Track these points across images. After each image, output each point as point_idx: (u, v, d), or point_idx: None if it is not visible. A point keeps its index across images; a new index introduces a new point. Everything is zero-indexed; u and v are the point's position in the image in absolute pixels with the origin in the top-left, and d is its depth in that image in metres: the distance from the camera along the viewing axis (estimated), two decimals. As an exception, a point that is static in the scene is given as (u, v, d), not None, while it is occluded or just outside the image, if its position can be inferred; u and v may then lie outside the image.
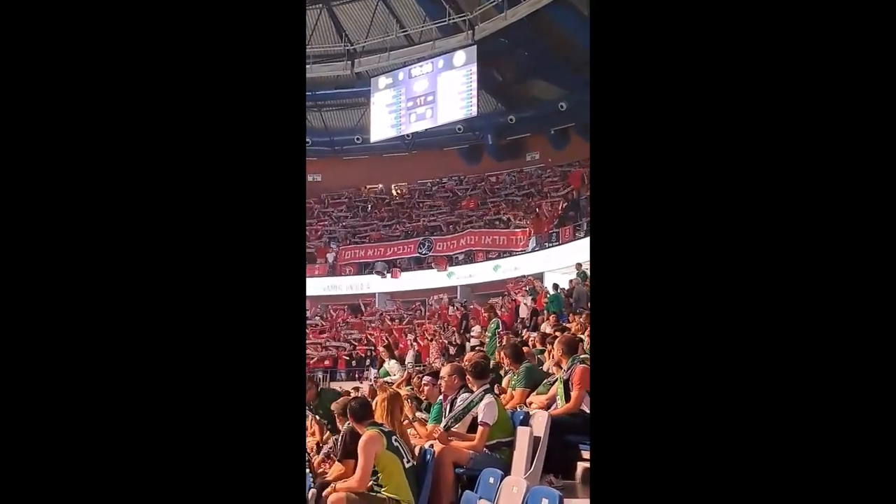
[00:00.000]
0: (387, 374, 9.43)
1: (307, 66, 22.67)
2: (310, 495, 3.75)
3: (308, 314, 20.84)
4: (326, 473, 4.40)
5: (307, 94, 24.35)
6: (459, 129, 22.16)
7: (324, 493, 3.94)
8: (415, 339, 15.71)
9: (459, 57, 20.78)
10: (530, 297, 14.54)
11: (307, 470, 4.23)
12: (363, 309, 21.23)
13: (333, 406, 4.86)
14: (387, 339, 14.78)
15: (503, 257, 20.27)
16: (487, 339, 11.42)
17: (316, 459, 4.79)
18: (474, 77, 20.40)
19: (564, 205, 20.34)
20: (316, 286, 21.60)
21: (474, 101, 20.48)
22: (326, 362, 18.02)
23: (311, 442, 5.64)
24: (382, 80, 22.53)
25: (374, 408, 4.27)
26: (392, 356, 10.18)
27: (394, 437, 3.93)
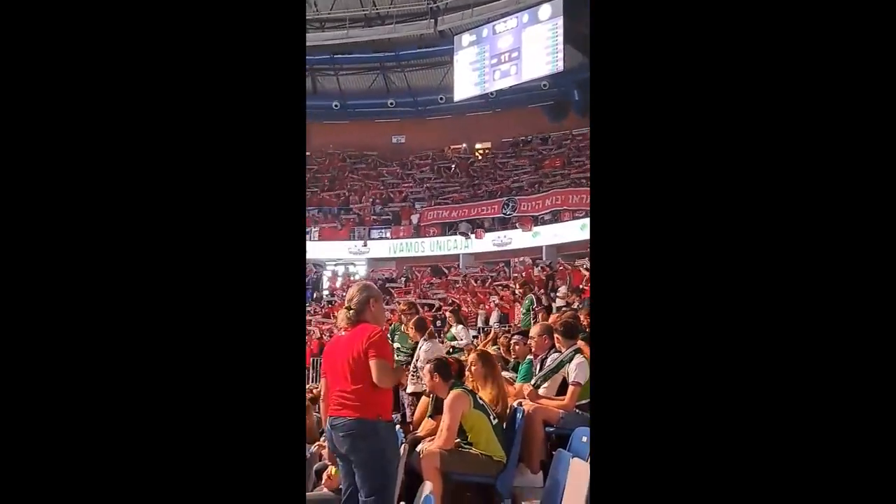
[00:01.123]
0: (453, 338, 9.43)
1: (391, 26, 22.66)
2: (402, 450, 3.79)
3: (393, 275, 21.17)
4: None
5: (391, 54, 24.46)
6: (545, 85, 21.62)
7: (417, 449, 3.98)
8: (500, 300, 15.69)
9: (545, 10, 20.21)
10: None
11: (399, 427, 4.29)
12: (446, 271, 21.35)
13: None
14: (454, 303, 14.80)
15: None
16: (522, 316, 11.10)
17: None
18: (560, 31, 19.82)
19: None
20: (400, 247, 21.87)
21: (560, 56, 19.92)
22: (412, 323, 18.25)
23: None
24: (466, 38, 22.23)
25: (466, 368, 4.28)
26: (459, 321, 10.15)
27: (478, 396, 3.92)
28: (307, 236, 22.76)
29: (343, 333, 3.38)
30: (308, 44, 23.27)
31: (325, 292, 22.18)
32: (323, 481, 4.23)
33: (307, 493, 4.25)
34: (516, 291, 13.48)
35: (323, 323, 18.34)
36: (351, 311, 3.28)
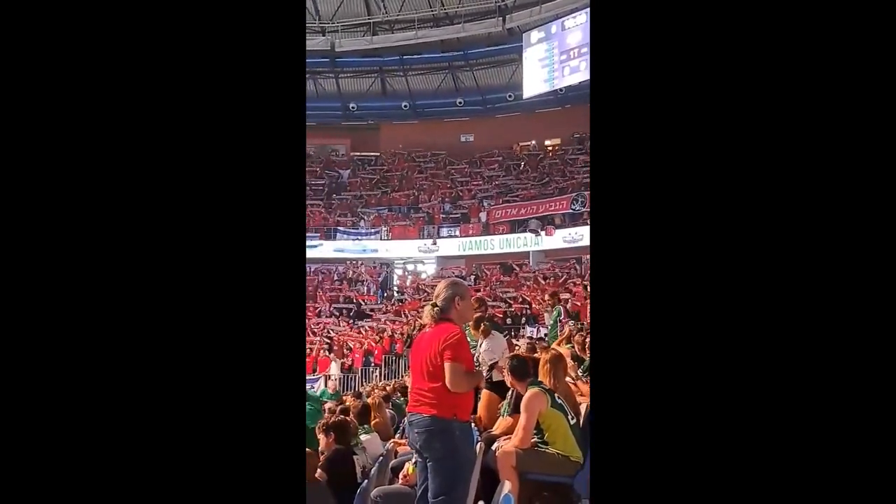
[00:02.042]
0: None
1: (459, 25, 22.70)
2: (477, 448, 3.80)
3: (462, 273, 21.22)
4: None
5: (459, 53, 24.50)
6: (615, 80, 21.21)
7: (492, 448, 3.98)
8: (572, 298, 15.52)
9: (615, 4, 19.82)
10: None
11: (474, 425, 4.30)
12: (516, 268, 21.24)
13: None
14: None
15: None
16: (549, 328, 10.84)
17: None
18: (631, 25, 19.41)
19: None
20: (469, 245, 21.89)
21: (631, 50, 19.51)
22: (483, 321, 18.25)
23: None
24: (535, 35, 22.07)
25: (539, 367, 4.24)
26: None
27: (556, 396, 3.88)
28: (378, 235, 23.07)
29: (427, 330, 3.35)
30: (378, 45, 23.68)
31: (395, 290, 22.42)
32: (400, 479, 4.28)
33: (384, 488, 4.32)
34: (546, 301, 13.26)
35: (394, 321, 18.55)
36: (435, 308, 3.25)
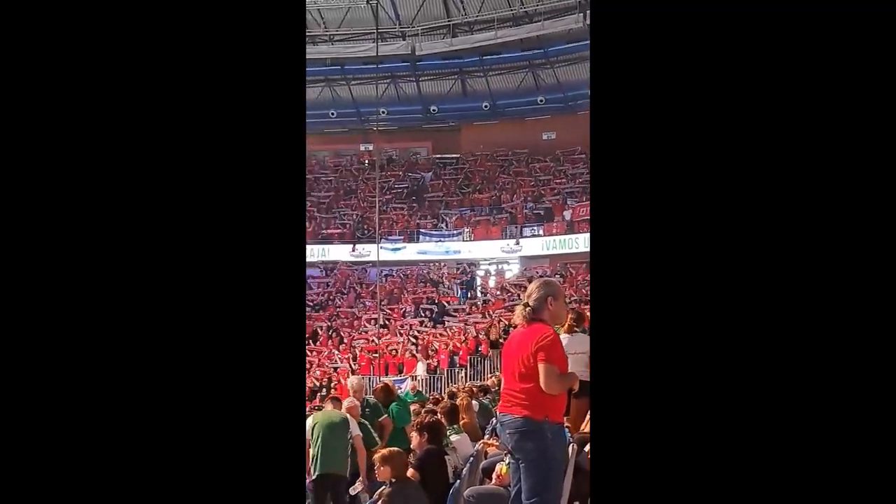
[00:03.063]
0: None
1: (539, 23, 22.51)
2: (570, 450, 3.75)
3: (547, 272, 21.02)
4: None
5: (539, 51, 24.30)
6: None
7: (584, 448, 3.92)
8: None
9: None
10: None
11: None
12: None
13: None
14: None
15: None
16: None
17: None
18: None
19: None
20: (553, 244, 21.66)
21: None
22: (568, 319, 18.01)
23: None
24: (616, 29, 21.62)
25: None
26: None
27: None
28: (460, 236, 23.16)
29: (519, 330, 3.32)
30: (458, 47, 23.76)
31: (479, 291, 22.44)
32: (493, 479, 4.28)
33: (477, 488, 4.33)
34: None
35: (478, 322, 18.57)
36: (528, 308, 3.20)
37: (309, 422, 5.49)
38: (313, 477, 5.09)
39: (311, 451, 5.18)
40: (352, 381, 7.38)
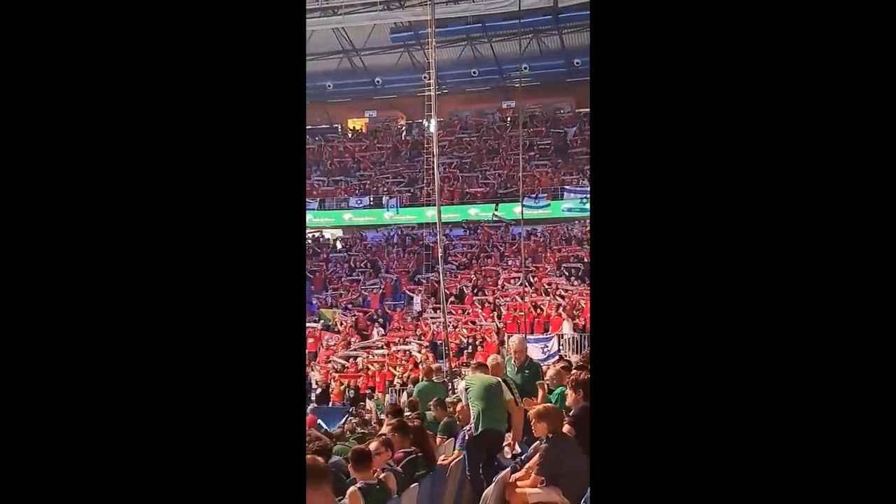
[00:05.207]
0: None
1: None
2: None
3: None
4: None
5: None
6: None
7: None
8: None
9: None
10: None
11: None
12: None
13: None
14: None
15: None
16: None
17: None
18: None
19: None
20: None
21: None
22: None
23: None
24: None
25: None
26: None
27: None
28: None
29: None
30: None
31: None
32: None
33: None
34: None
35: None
36: None
37: (462, 384, 5.76)
38: (476, 433, 5.23)
39: (472, 410, 5.37)
40: (513, 339, 7.61)
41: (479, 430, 5.22)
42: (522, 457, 5.05)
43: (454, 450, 5.77)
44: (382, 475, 3.94)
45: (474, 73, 25.79)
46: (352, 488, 3.67)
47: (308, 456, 2.03)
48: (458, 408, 6.42)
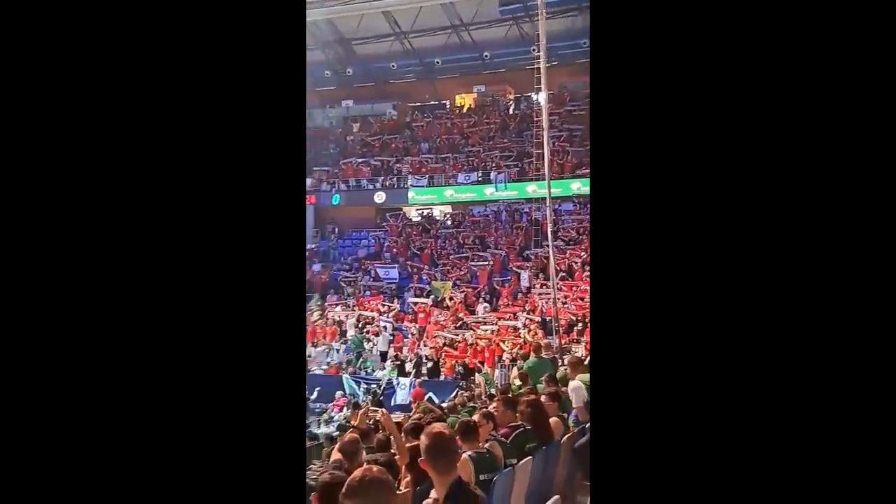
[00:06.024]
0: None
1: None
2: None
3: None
4: None
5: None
6: None
7: None
8: None
9: None
10: None
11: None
12: None
13: None
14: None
15: None
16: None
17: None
18: None
19: None
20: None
21: None
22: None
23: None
24: None
25: None
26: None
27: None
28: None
29: None
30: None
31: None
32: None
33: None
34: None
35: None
36: None
37: (571, 385, 5.94)
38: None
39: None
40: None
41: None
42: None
43: (567, 426, 5.71)
44: (488, 444, 3.99)
45: (584, 43, 25.11)
46: (463, 456, 3.73)
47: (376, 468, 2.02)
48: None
